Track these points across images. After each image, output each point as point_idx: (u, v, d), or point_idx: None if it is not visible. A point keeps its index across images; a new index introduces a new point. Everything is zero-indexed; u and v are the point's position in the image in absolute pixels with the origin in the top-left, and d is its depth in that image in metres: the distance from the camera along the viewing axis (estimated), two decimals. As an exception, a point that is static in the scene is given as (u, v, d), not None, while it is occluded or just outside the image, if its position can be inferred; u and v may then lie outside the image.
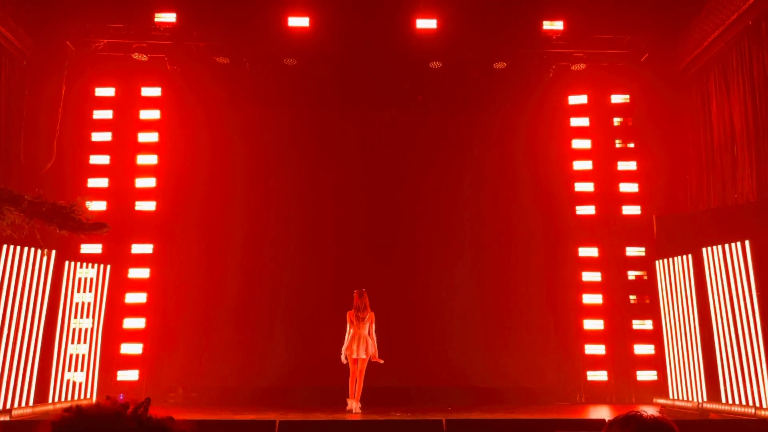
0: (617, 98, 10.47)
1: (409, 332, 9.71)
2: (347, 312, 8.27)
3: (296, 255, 10.27)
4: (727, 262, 7.43)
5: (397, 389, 8.70)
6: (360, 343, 8.04)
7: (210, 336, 9.88)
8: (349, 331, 8.14)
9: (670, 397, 8.46)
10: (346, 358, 8.14)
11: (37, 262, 7.66)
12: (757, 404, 6.82)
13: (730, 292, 7.36)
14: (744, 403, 7.04)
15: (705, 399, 7.70)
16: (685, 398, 8.11)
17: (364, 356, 8.06)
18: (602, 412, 8.44)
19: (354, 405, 8.04)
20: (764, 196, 7.74)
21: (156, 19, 9.35)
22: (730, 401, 7.25)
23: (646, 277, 9.80)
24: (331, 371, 9.05)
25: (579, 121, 10.54)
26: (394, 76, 10.14)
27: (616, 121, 10.42)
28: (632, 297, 9.93)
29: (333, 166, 10.58)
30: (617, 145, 10.40)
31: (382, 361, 8.16)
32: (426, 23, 9.37)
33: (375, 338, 8.20)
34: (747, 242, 7.17)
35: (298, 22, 9.31)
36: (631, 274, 9.99)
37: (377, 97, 10.44)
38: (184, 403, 9.41)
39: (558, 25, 9.51)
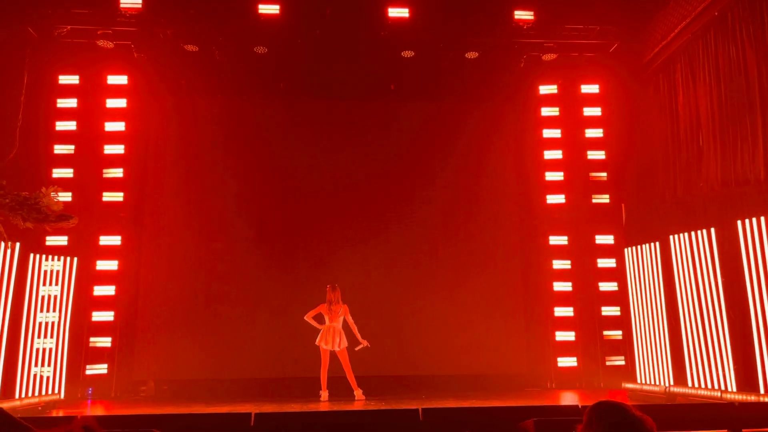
0: (587, 88, 10.59)
1: (382, 322, 9.73)
2: (320, 305, 8.40)
3: (266, 244, 10.20)
4: (693, 249, 7.60)
5: (370, 378, 8.75)
6: (335, 336, 8.37)
7: (181, 328, 9.76)
8: (323, 324, 8.44)
9: (638, 381, 8.64)
10: (321, 346, 8.40)
11: (0, 254, 7.45)
12: (723, 387, 7.00)
13: (696, 279, 7.53)
14: (710, 386, 7.22)
15: (672, 383, 7.88)
16: (653, 382, 8.29)
17: (338, 348, 8.37)
18: (573, 398, 8.60)
19: (358, 393, 8.35)
20: (728, 184, 7.91)
21: (121, 5, 9.08)
22: (696, 385, 7.44)
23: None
24: (306, 362, 9.05)
25: (549, 111, 10.64)
26: (366, 65, 10.06)
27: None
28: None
29: (304, 155, 10.52)
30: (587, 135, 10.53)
31: (367, 343, 8.44)
32: (398, 12, 9.30)
33: (354, 325, 8.48)
34: (712, 230, 7.33)
35: (269, 9, 9.16)
36: (601, 262, 10.15)
37: (349, 86, 10.38)
38: (156, 396, 9.29)
39: (529, 15, 9.54)
